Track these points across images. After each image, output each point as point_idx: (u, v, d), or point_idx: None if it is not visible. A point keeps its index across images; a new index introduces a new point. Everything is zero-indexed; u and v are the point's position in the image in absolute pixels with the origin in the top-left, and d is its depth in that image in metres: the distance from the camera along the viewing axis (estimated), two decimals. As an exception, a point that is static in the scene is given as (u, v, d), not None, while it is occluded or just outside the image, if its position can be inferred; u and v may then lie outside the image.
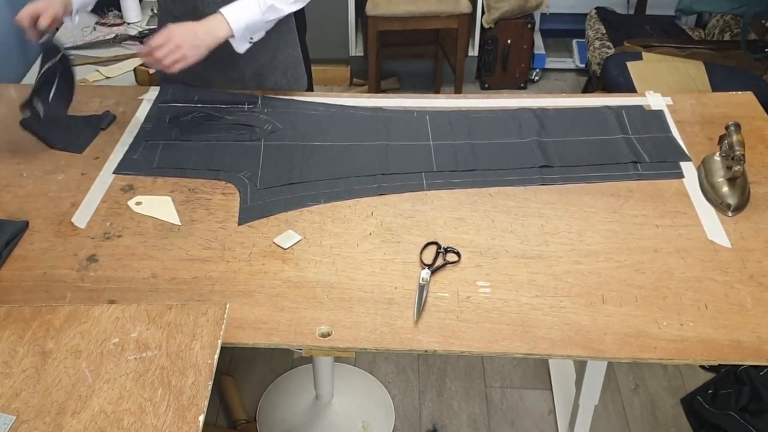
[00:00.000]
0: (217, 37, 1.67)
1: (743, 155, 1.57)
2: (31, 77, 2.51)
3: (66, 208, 1.60)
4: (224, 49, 1.71)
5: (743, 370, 2.20)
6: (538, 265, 1.45)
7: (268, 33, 1.86)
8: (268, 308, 1.36)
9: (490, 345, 1.30)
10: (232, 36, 1.69)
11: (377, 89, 3.65)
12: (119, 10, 2.79)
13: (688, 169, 1.69)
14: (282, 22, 1.87)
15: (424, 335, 1.32)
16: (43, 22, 1.67)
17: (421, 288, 1.39)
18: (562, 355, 1.29)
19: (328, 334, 1.32)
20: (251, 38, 1.75)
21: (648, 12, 3.57)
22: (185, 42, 1.61)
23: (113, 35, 2.69)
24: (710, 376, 2.29)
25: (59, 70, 1.77)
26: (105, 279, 1.42)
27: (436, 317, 1.35)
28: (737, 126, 1.63)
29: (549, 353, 1.30)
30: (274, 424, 2.18)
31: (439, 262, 1.45)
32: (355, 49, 3.75)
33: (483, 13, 3.60)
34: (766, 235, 1.51)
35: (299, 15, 1.98)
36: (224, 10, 1.67)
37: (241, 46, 1.73)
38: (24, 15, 1.68)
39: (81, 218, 1.57)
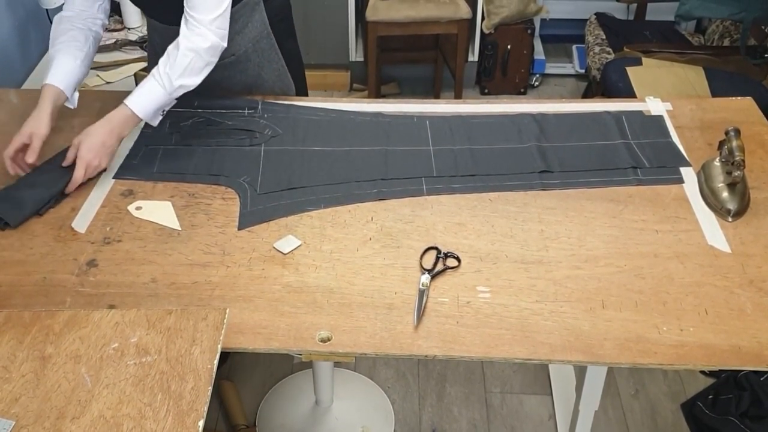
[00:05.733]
0: (125, 134, 1.66)
1: (743, 160, 1.57)
2: (33, 82, 2.52)
3: (66, 212, 1.60)
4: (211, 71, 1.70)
5: (743, 376, 2.19)
6: (538, 270, 1.45)
7: (248, 55, 1.84)
8: (267, 313, 1.36)
9: (490, 350, 1.30)
10: (142, 120, 1.66)
11: (377, 94, 3.65)
12: (119, 15, 2.80)
13: (688, 174, 1.69)
14: (262, 40, 1.85)
15: (424, 340, 1.31)
16: (31, 159, 1.61)
17: (421, 293, 1.39)
18: (561, 360, 1.29)
19: (328, 339, 1.32)
20: (163, 111, 1.71)
21: (647, 18, 3.57)
22: (96, 156, 1.61)
23: (113, 40, 2.70)
24: (710, 381, 2.29)
25: None
26: (105, 284, 1.42)
27: (436, 322, 1.35)
28: (737, 131, 1.63)
29: (549, 358, 1.29)
30: (273, 429, 2.18)
31: (439, 267, 1.45)
32: (355, 55, 3.75)
33: (483, 18, 3.60)
34: (765, 241, 1.51)
35: (284, 24, 1.92)
36: (129, 101, 1.62)
37: (154, 121, 1.71)
38: (10, 151, 1.60)
39: (81, 223, 1.57)
